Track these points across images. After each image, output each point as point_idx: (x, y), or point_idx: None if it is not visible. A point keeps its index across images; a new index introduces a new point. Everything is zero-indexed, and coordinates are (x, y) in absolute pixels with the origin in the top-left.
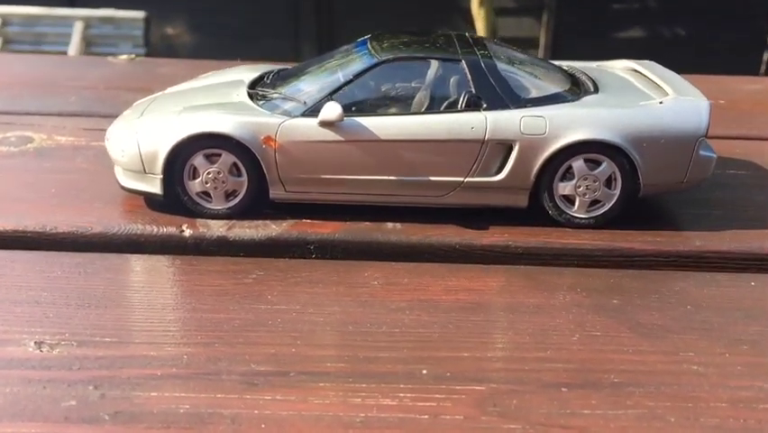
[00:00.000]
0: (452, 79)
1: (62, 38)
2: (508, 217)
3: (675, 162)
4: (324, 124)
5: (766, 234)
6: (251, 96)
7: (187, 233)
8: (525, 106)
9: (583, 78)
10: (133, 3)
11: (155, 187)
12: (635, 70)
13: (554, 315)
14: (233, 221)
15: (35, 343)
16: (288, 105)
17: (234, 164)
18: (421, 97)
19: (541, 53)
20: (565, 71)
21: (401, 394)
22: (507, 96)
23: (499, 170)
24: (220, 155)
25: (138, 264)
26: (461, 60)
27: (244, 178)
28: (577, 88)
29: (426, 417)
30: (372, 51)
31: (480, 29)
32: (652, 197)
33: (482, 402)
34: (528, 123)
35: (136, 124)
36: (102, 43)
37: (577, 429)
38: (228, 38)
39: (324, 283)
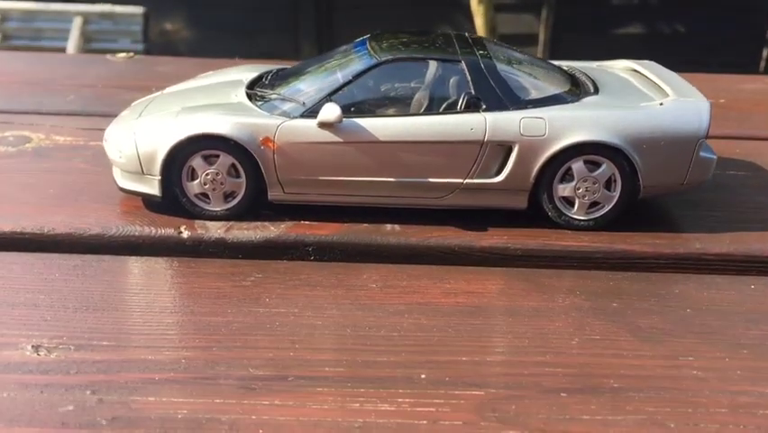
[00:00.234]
0: (451, 80)
1: (61, 33)
2: (508, 219)
3: (675, 164)
4: (322, 125)
5: (767, 236)
6: (249, 97)
7: (186, 234)
8: (525, 108)
9: (583, 78)
10: None
11: (153, 188)
12: (635, 70)
13: (553, 318)
14: (232, 222)
15: (32, 346)
16: (286, 106)
17: (233, 165)
18: (420, 98)
19: (540, 49)
20: (565, 72)
21: (400, 399)
22: (507, 98)
23: (499, 172)
24: (218, 156)
25: (136, 266)
26: (460, 61)
27: (243, 179)
28: (577, 89)
29: (425, 422)
30: (371, 52)
31: (480, 25)
32: (652, 198)
33: (481, 408)
34: (528, 124)
35: (134, 125)
36: (101, 39)
37: None
38: (227, 34)
39: (322, 286)
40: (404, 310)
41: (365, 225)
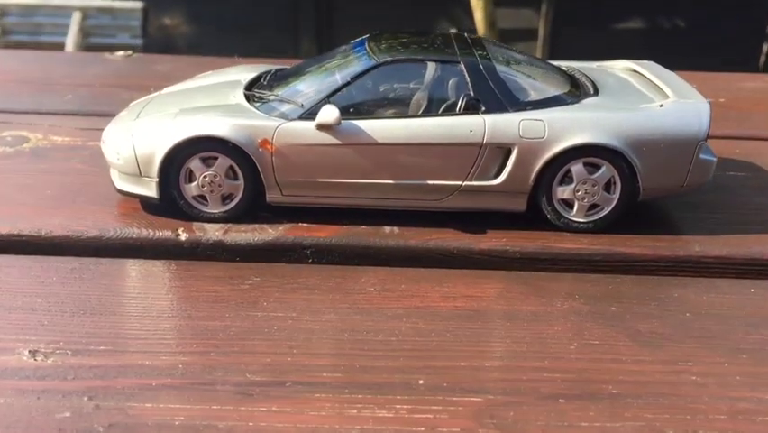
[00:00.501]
0: (450, 82)
1: (60, 28)
2: (507, 221)
3: (675, 166)
4: (321, 127)
5: (767, 239)
6: (247, 98)
7: (183, 237)
8: (524, 109)
9: (583, 79)
10: None
11: (151, 190)
12: (635, 71)
13: (552, 322)
14: (230, 225)
15: (30, 352)
16: (285, 108)
17: (231, 167)
18: (419, 100)
19: (540, 44)
20: (564, 72)
21: (398, 406)
22: (506, 99)
23: (498, 174)
24: (216, 158)
25: (134, 270)
26: (459, 62)
27: (241, 181)
28: (576, 90)
29: (423, 429)
30: (370, 53)
31: (479, 20)
32: (651, 200)
33: (479, 414)
34: (527, 126)
35: (132, 127)
36: (100, 34)
37: None
38: (226, 29)
39: (320, 289)
40: (402, 314)
41: (364, 227)
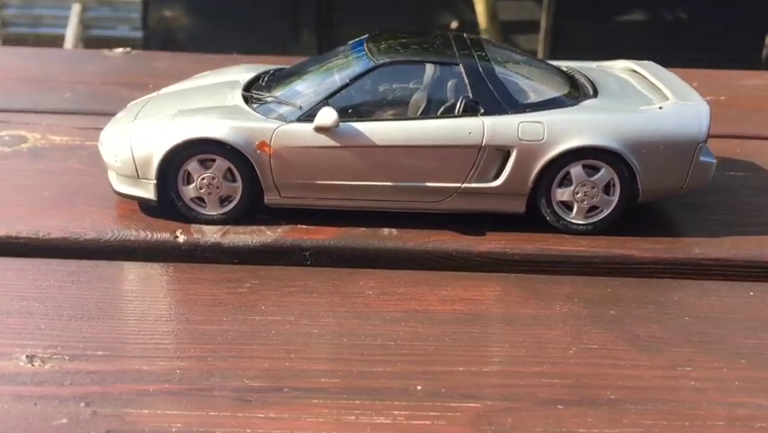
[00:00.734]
0: (449, 83)
1: (60, 20)
2: (506, 223)
3: (675, 168)
4: (319, 129)
5: (766, 241)
6: (245, 99)
7: (182, 239)
8: (524, 111)
9: (582, 80)
10: None
11: (149, 192)
12: (635, 71)
13: (551, 326)
14: (228, 227)
15: (27, 357)
16: (283, 110)
17: (229, 169)
18: (418, 102)
19: (542, 36)
20: (564, 73)
21: (395, 412)
22: (505, 101)
23: (497, 176)
24: (214, 160)
25: (131, 273)
26: (458, 64)
27: (239, 183)
28: (576, 92)
29: None
30: (369, 54)
31: (480, 12)
32: (651, 202)
33: (477, 421)
34: (526, 128)
35: (129, 129)
36: (99, 26)
37: None
38: (227, 21)
39: (318, 293)
40: (400, 318)
41: (362, 229)
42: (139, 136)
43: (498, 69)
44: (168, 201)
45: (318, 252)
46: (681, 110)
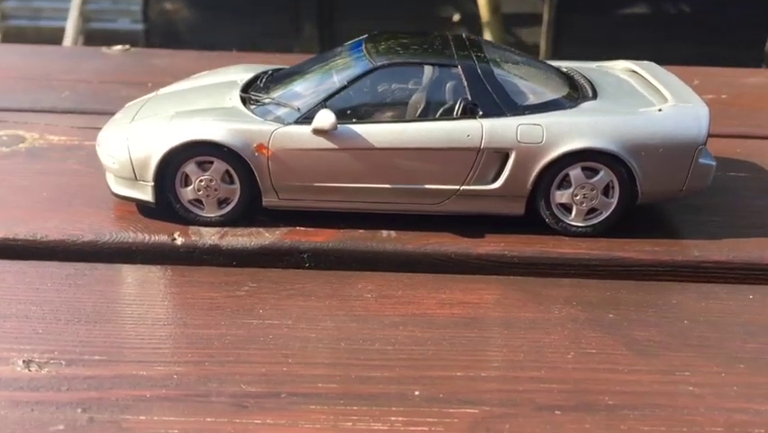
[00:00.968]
0: (447, 85)
1: (60, 13)
2: (505, 225)
3: (674, 171)
4: (317, 131)
5: (766, 243)
6: (243, 101)
7: (179, 241)
8: (522, 114)
9: (581, 81)
10: None
11: (146, 194)
12: (634, 72)
13: (549, 330)
14: (226, 229)
15: (24, 362)
16: (281, 112)
17: (227, 172)
18: (416, 104)
19: (544, 29)
20: (563, 74)
21: (393, 418)
22: (504, 103)
23: (496, 179)
24: (212, 162)
25: (129, 275)
26: (457, 66)
27: (237, 185)
28: (575, 93)
29: None
30: (367, 56)
31: (483, 4)
32: (650, 204)
33: (475, 427)
34: (525, 131)
35: (127, 131)
36: (100, 19)
37: None
38: (227, 13)
39: (317, 296)
40: (399, 322)
41: (361, 231)
42: (136, 138)
43: (497, 71)
44: (166, 203)
45: (317, 254)
46: (681, 112)
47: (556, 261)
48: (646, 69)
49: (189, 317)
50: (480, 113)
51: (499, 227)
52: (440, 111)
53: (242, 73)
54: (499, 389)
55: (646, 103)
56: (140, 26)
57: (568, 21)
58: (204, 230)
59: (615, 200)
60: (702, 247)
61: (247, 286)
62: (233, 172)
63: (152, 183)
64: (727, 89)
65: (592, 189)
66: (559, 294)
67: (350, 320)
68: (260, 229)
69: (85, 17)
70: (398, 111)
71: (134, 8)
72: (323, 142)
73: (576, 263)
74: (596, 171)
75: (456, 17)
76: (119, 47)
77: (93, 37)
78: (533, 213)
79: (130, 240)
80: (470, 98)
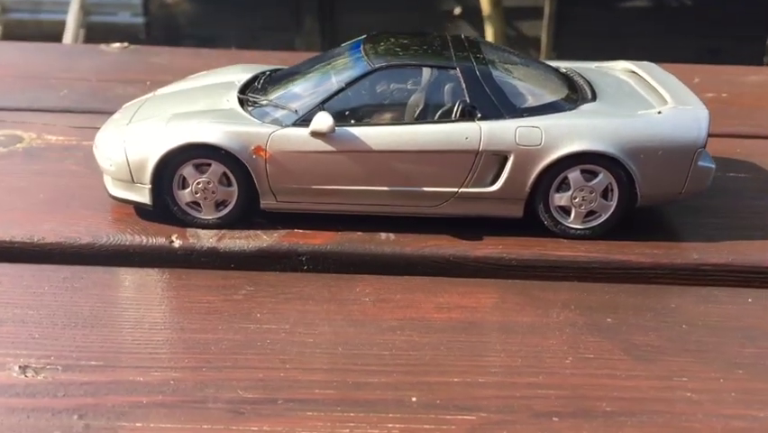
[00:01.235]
0: (446, 87)
1: (60, 6)
2: (503, 228)
3: (673, 174)
4: (315, 134)
5: (766, 246)
6: (241, 102)
7: (177, 244)
8: (521, 116)
9: (581, 82)
10: None
11: (144, 197)
12: (634, 73)
13: (548, 335)
14: (224, 231)
15: (20, 367)
16: (278, 114)
17: (224, 174)
18: (414, 106)
19: (545, 23)
20: (563, 75)
21: (390, 424)
22: (503, 106)
23: (494, 181)
24: (210, 165)
25: (126, 279)
26: (455, 68)
27: (234, 188)
28: (574, 95)
29: None
30: (366, 57)
31: None
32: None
33: None
34: (524, 133)
35: (124, 133)
36: (101, 12)
37: None
38: (228, 6)
39: (314, 300)
40: (396, 327)
41: (359, 233)
42: (133, 140)
43: (496, 73)
44: (163, 206)
45: (315, 257)
46: (681, 115)
47: (555, 264)
48: (646, 69)
49: (186, 321)
50: (479, 115)
51: (498, 230)
52: (438, 113)
53: (240, 73)
54: (497, 395)
55: (646, 105)
56: (140, 19)
57: (569, 14)
58: (201, 232)
59: (614, 203)
60: (701, 250)
61: (245, 289)
62: (230, 175)
63: (150, 186)
64: (728, 87)
65: (591, 192)
66: (557, 298)
67: (347, 325)
68: (258, 232)
69: (85, 10)
70: (397, 113)
71: (135, 1)
72: (321, 145)
73: (575, 266)
74: (595, 174)
75: (457, 10)
76: (117, 44)
77: (93, 30)
78: (531, 215)
79: (127, 243)
80: (468, 100)
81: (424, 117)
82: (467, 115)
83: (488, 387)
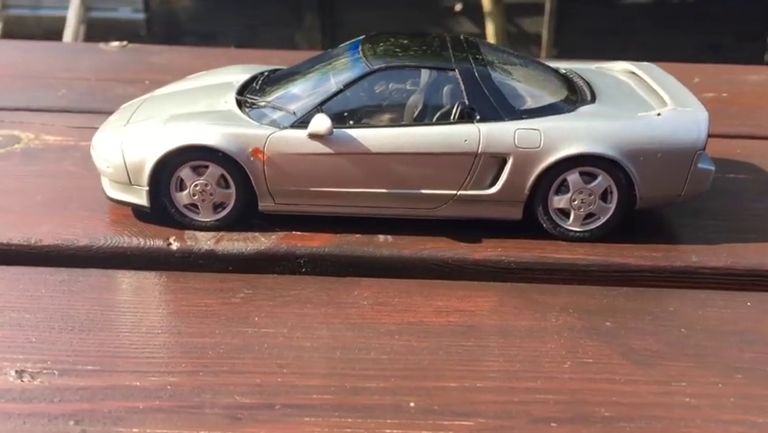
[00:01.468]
0: (445, 89)
1: (61, 2)
2: (502, 230)
3: (672, 176)
4: (313, 136)
5: (765, 249)
6: (239, 104)
7: (175, 246)
8: (520, 118)
9: (580, 83)
10: None
11: (141, 199)
12: (634, 73)
13: (546, 339)
14: (222, 233)
15: (16, 372)
16: (276, 116)
17: (222, 176)
18: (413, 108)
19: (546, 19)
20: (562, 76)
21: (387, 430)
22: (501, 108)
23: (493, 183)
24: (207, 167)
25: (124, 281)
26: (454, 69)
27: (232, 190)
28: (573, 97)
29: None
30: (364, 58)
31: None
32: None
33: None
34: (523, 136)
35: (121, 134)
36: (101, 7)
37: None
38: (228, 3)
39: (312, 303)
40: (394, 331)
41: (357, 235)
42: (131, 142)
43: (495, 75)
44: (161, 208)
45: (313, 259)
46: (680, 117)
47: (553, 266)
48: (646, 70)
49: (184, 325)
50: (478, 117)
51: (496, 233)
52: (437, 115)
53: (238, 74)
54: (495, 400)
55: (645, 107)
56: (141, 15)
57: (570, 10)
58: (199, 235)
59: (613, 205)
60: (700, 253)
61: (243, 293)
62: (228, 177)
63: (147, 187)
64: (728, 87)
65: (590, 194)
66: (556, 301)
67: (345, 328)
68: (256, 234)
69: (86, 6)
70: (395, 115)
71: None
72: (319, 147)
73: (573, 269)
74: (594, 176)
75: (458, 7)
76: (116, 43)
77: (94, 26)
78: (530, 218)
79: (125, 245)
80: (467, 102)
81: (422, 119)
82: (466, 117)
83: (486, 392)
